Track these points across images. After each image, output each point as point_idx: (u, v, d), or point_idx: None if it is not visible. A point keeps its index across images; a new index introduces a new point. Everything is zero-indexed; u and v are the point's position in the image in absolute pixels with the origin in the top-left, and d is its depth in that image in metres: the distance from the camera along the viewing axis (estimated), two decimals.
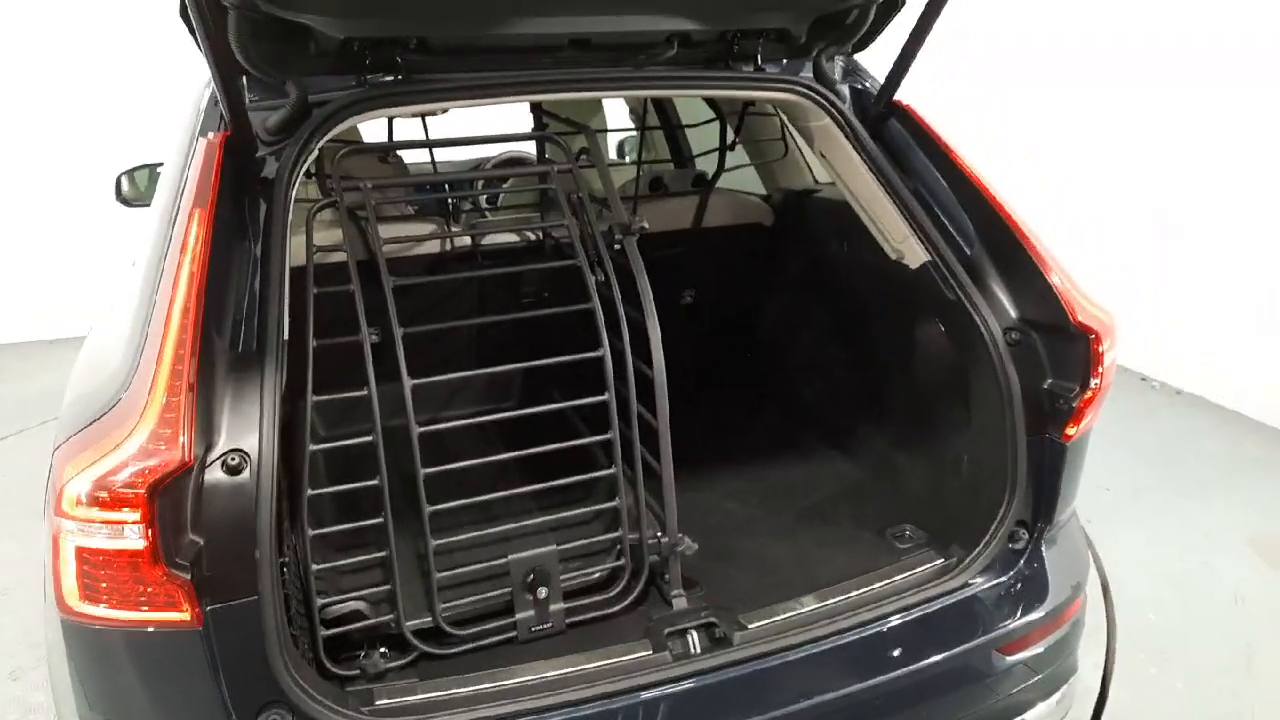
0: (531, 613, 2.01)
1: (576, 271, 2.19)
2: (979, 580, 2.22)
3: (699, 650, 1.99)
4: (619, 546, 2.12)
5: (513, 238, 2.87)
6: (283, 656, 1.66)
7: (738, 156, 3.37)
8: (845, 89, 2.54)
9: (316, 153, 2.03)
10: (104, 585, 1.55)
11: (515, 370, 2.23)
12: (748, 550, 2.44)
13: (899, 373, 2.65)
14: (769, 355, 3.39)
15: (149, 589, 1.53)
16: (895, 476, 2.70)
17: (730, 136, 3.17)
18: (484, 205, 3.32)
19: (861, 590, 2.19)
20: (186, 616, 1.57)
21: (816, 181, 3.22)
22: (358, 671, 1.91)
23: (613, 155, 4.78)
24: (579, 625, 2.08)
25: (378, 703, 1.83)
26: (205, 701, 1.64)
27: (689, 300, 3.36)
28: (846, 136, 2.45)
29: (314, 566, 1.84)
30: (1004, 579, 2.25)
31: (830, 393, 3.02)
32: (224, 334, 1.74)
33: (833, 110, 2.44)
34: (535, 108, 2.61)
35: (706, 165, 3.34)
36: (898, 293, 2.53)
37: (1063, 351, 2.19)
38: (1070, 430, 2.21)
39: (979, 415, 2.32)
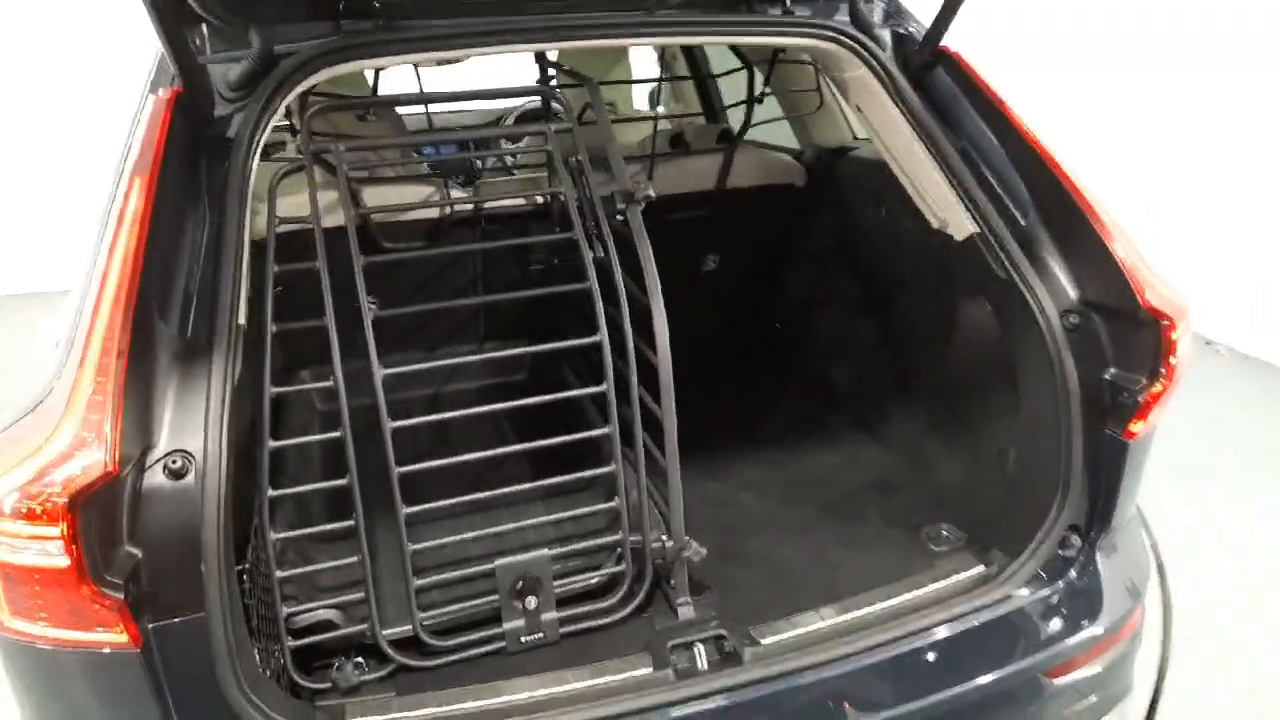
0: (521, 622, 1.83)
1: (641, 227, 1.94)
2: (1024, 591, 1.99)
3: (705, 667, 1.80)
4: (619, 549, 1.92)
5: (519, 201, 2.64)
6: (236, 677, 1.50)
7: (771, 110, 3.09)
8: (886, 34, 2.25)
9: (282, 110, 1.82)
10: (33, 602, 1.38)
11: (514, 348, 2.01)
12: (763, 550, 2.22)
13: (938, 353, 2.39)
14: (797, 329, 3.14)
15: (78, 608, 1.36)
16: (931, 468, 2.46)
17: (760, 87, 2.89)
18: (486, 167, 3.08)
19: (890, 601, 1.97)
20: (122, 638, 1.40)
21: (855, 138, 2.93)
22: (330, 685, 1.74)
23: (645, 108, 4.49)
24: (575, 635, 1.89)
25: None
26: None
27: (711, 266, 3.11)
28: (885, 88, 2.18)
29: (277, 573, 1.66)
30: (1052, 590, 2.01)
31: (862, 373, 2.77)
32: (170, 318, 1.55)
33: (870, 58, 2.16)
34: (541, 59, 2.36)
35: (738, 119, 3.07)
36: (939, 266, 2.26)
37: (1129, 338, 1.92)
38: (1134, 427, 1.95)
39: (1029, 405, 2.07)
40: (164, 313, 1.55)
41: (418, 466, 1.78)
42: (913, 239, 2.32)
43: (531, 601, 1.81)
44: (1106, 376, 1.95)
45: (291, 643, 1.70)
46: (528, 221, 2.65)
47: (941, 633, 1.89)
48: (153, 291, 1.53)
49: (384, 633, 1.77)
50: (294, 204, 2.55)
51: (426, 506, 1.81)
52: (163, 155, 1.62)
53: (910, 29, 2.27)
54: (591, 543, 1.91)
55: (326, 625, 1.77)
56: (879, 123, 2.26)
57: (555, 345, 1.90)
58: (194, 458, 1.46)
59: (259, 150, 1.76)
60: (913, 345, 2.54)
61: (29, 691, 1.54)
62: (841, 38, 2.12)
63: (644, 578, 1.93)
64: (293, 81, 1.79)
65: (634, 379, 1.85)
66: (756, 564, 2.17)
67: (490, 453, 1.82)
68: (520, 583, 1.82)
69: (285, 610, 1.68)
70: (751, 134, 3.23)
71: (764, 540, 2.25)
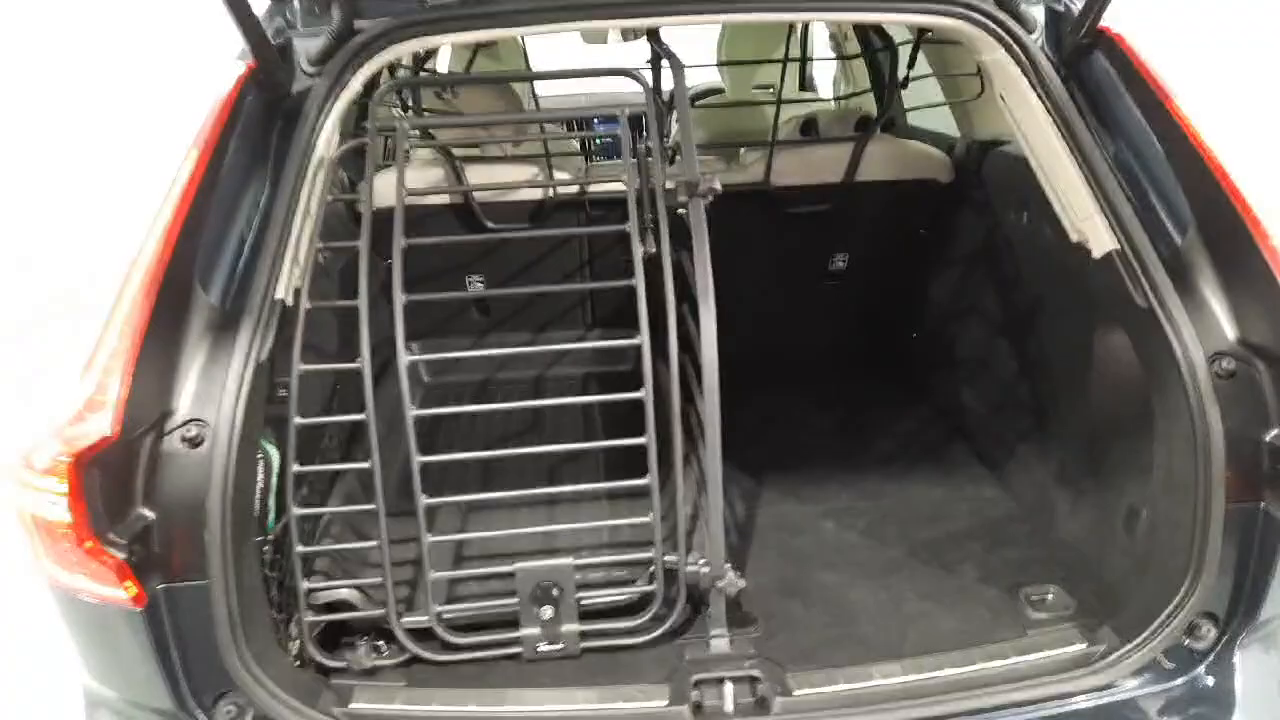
0: (537, 630, 1.74)
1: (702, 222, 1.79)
2: (1132, 682, 1.68)
3: (730, 709, 1.64)
4: (653, 568, 1.78)
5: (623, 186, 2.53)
6: (237, 645, 1.52)
7: (930, 94, 2.79)
8: (1038, 11, 1.93)
9: (356, 86, 1.81)
10: (50, 550, 1.46)
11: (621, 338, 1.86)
12: (831, 589, 2.00)
13: (1074, 389, 2.05)
14: (932, 342, 2.82)
15: (82, 562, 1.42)
16: (1053, 521, 2.12)
17: (905, 70, 2.60)
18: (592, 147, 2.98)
19: (961, 669, 1.71)
20: (125, 595, 1.45)
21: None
22: (345, 664, 1.74)
23: (825, 90, 4.20)
24: (600, 651, 1.78)
25: (352, 705, 1.66)
26: (160, 683, 1.54)
27: (840, 266, 2.85)
28: (1025, 74, 1.87)
29: (298, 549, 1.68)
30: (1170, 687, 1.68)
31: (996, 401, 2.44)
32: (212, 288, 1.58)
33: (1008, 39, 1.85)
34: (653, 37, 2.22)
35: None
36: (1078, 286, 1.93)
37: None
38: None
39: (1165, 462, 1.72)
40: (206, 282, 1.58)
41: (436, 458, 1.73)
42: (1053, 253, 2.00)
43: (548, 611, 1.72)
44: (1268, 438, 1.58)
45: (310, 617, 1.71)
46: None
47: (1014, 717, 1.62)
48: (194, 260, 1.56)
49: (403, 620, 1.75)
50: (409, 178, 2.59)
51: (448, 500, 1.77)
52: (222, 127, 1.65)
53: (1071, 4, 1.93)
54: (619, 557, 1.79)
55: (349, 605, 1.77)
56: (1020, 114, 1.95)
57: (591, 344, 1.79)
58: (210, 427, 1.49)
59: (325, 124, 1.76)
60: (1051, 376, 2.20)
61: (66, 626, 1.64)
62: (973, 14, 1.83)
63: (677, 600, 1.78)
64: (364, 56, 1.77)
65: (675, 386, 1.70)
66: (819, 603, 1.95)
67: (504, 452, 1.74)
68: (540, 589, 1.73)
69: (306, 585, 1.69)
70: (919, 121, 2.94)
71: (835, 577, 2.03)
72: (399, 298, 1.64)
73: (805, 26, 3.58)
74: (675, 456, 1.70)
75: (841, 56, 3.30)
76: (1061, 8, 1.93)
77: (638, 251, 1.72)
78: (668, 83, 2.46)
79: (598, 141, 3.89)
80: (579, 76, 2.07)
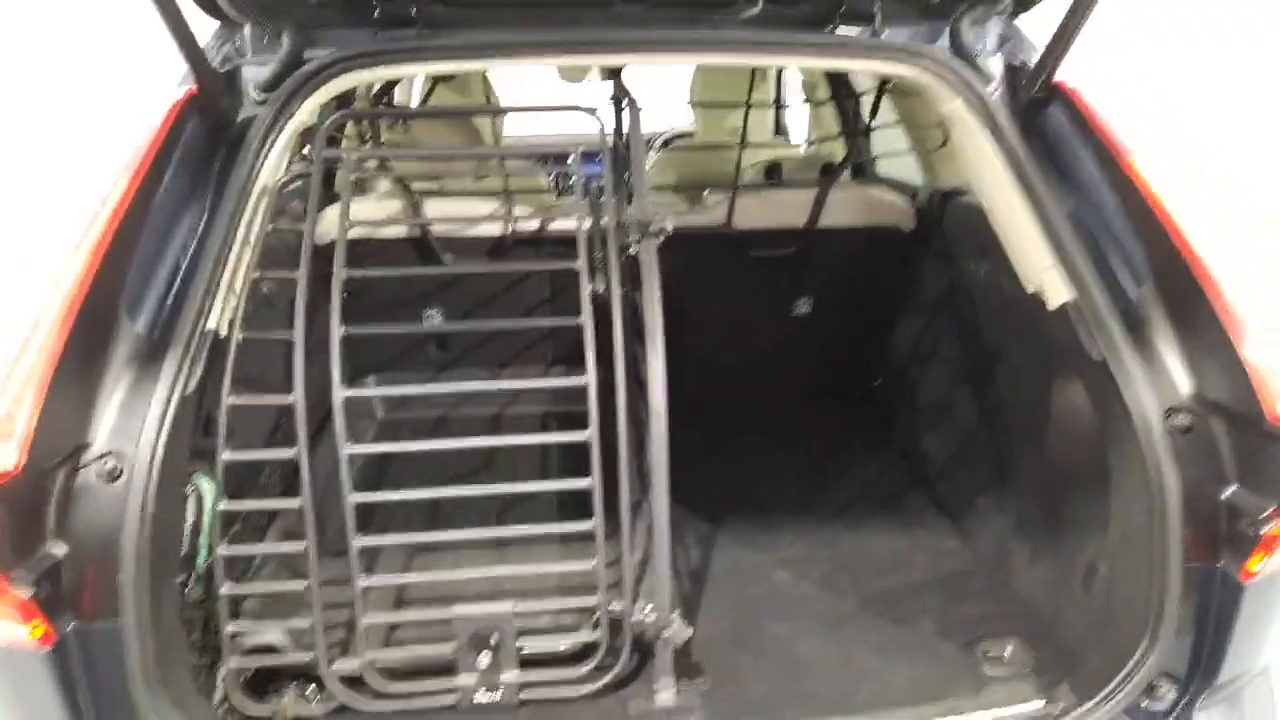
0: (473, 679, 1.66)
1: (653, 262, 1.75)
2: None
3: None
4: (597, 615, 1.71)
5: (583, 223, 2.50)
6: (151, 691, 1.43)
7: (901, 143, 2.79)
8: (995, 63, 1.94)
9: (303, 116, 1.77)
10: None
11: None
12: (783, 640, 1.93)
13: (1032, 440, 2.02)
14: (895, 389, 2.80)
15: None
16: (1010, 572, 2.08)
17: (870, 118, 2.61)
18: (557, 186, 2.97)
19: None
20: (29, 636, 1.37)
21: None
22: (270, 714, 1.65)
23: (797, 136, 4.22)
24: (539, 703, 1.71)
25: None
26: None
27: (804, 310, 2.83)
28: (984, 126, 1.87)
29: (224, 589, 1.60)
30: None
31: (953, 449, 2.41)
32: (138, 316, 1.52)
33: (967, 91, 1.86)
34: (615, 77, 2.21)
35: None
36: (1035, 338, 1.91)
37: (1254, 452, 1.52)
38: (1254, 565, 1.54)
39: (1121, 519, 1.69)
40: (134, 310, 1.52)
41: (370, 496, 1.67)
42: (1012, 303, 1.98)
43: (485, 659, 1.64)
44: (1223, 497, 1.56)
45: (235, 662, 1.62)
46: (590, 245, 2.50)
47: None
48: (121, 287, 1.50)
49: (334, 667, 1.66)
50: (360, 212, 2.54)
51: (383, 540, 1.70)
52: (157, 153, 1.60)
53: (1026, 60, 1.95)
54: (562, 604, 1.72)
55: (277, 650, 1.68)
56: (977, 164, 1.95)
57: (533, 384, 1.74)
58: (127, 461, 1.42)
59: (270, 153, 1.72)
60: (1011, 427, 2.17)
61: None
62: (936, 67, 1.83)
63: (620, 651, 1.71)
64: (314, 85, 1.74)
65: (622, 428, 1.65)
66: (770, 654, 1.89)
67: (440, 491, 1.68)
68: (477, 636, 1.66)
69: (231, 628, 1.61)
70: (890, 170, 2.94)
71: (787, 628, 1.96)
72: (335, 330, 1.58)
73: (779, 73, 3.61)
74: (621, 500, 1.65)
75: (808, 102, 3.31)
76: (1018, 62, 1.94)
77: (585, 289, 1.68)
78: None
79: (569, 179, 3.89)
80: (531, 111, 2.05)
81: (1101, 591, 1.75)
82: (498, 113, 2.18)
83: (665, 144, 3.79)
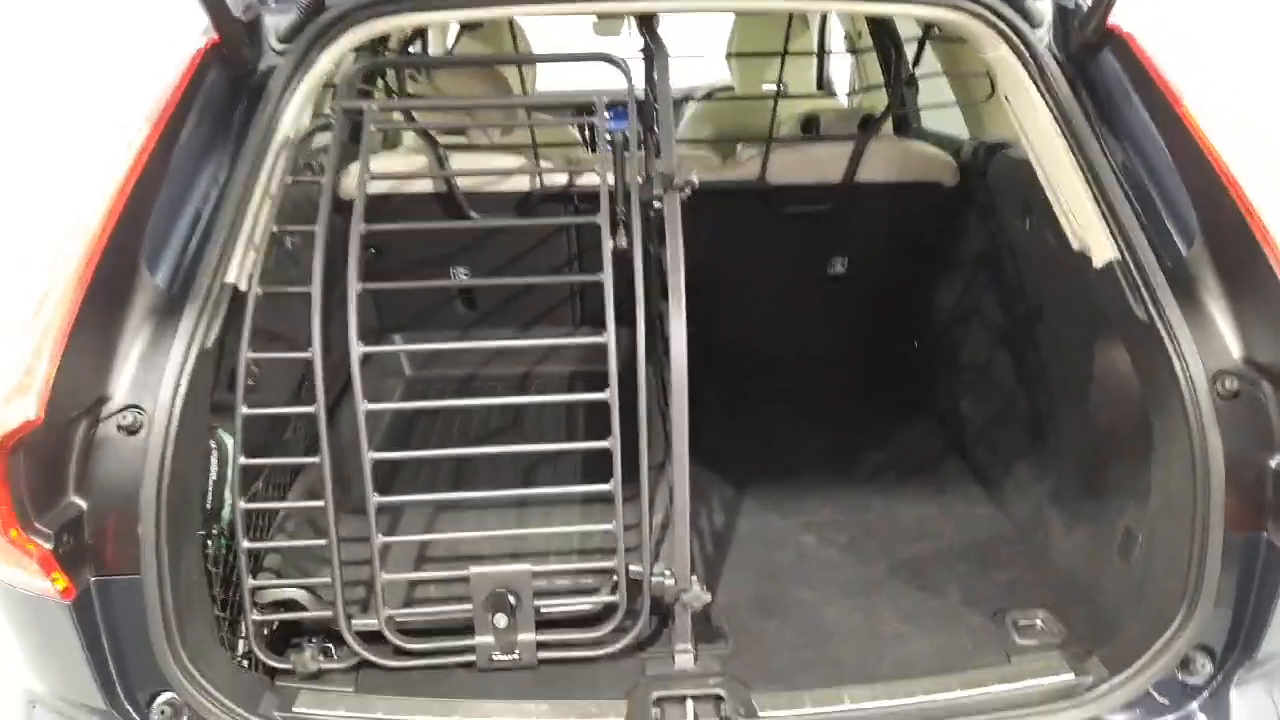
0: (491, 638, 1.66)
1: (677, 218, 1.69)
2: (1121, 717, 1.58)
3: None
4: (615, 579, 1.69)
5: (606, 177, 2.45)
6: (171, 643, 1.45)
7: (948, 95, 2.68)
8: (1045, 6, 1.83)
9: (326, 66, 1.73)
10: None
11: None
12: (808, 606, 1.90)
13: (1073, 404, 1.95)
14: (934, 352, 2.72)
15: (8, 552, 1.35)
16: (1046, 540, 2.02)
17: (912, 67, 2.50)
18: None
19: (936, 695, 1.62)
20: (51, 587, 1.38)
21: None
22: (290, 669, 1.67)
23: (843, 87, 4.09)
24: (558, 663, 1.70)
25: (295, 709, 1.59)
26: (92, 680, 1.47)
27: (840, 270, 2.75)
28: (1030, 75, 1.77)
29: (243, 544, 1.60)
30: None
31: (992, 413, 2.34)
32: (158, 269, 1.51)
33: (1014, 36, 1.76)
34: (646, 25, 2.13)
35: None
36: (1079, 297, 1.84)
37: None
38: None
39: (1163, 486, 1.62)
40: (153, 264, 1.51)
41: (387, 455, 1.66)
42: (1055, 260, 1.90)
43: (501, 619, 1.64)
44: (1272, 464, 1.48)
45: (256, 616, 1.63)
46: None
47: None
48: (140, 241, 1.49)
49: (354, 623, 1.67)
50: (385, 166, 2.51)
51: (400, 500, 1.69)
52: (178, 103, 1.58)
53: (1080, 0, 1.84)
54: (582, 565, 1.71)
55: (298, 605, 1.69)
56: (1024, 115, 1.86)
57: (545, 341, 1.71)
58: (147, 415, 1.42)
59: (290, 104, 1.69)
60: (1051, 390, 2.09)
61: (6, 618, 1.58)
62: (976, 7, 1.74)
63: (640, 613, 1.70)
64: (334, 33, 1.70)
65: (642, 388, 1.61)
66: (794, 620, 1.86)
67: (456, 451, 1.67)
68: (495, 596, 1.65)
69: (251, 583, 1.62)
70: (936, 124, 2.84)
71: (811, 594, 1.93)
72: (353, 285, 1.56)
73: (822, 24, 3.48)
74: (641, 461, 1.62)
75: (851, 51, 3.19)
76: (1071, 4, 1.83)
77: (606, 246, 1.64)
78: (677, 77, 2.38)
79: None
80: (554, 61, 1.99)
81: (1139, 560, 1.69)
82: (521, 61, 2.12)
83: (706, 97, 3.70)
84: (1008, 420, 2.25)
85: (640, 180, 1.80)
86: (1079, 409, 1.91)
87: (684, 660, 1.68)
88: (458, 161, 2.41)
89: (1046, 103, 1.76)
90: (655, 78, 1.85)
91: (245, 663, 1.65)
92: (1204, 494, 1.50)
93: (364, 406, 1.57)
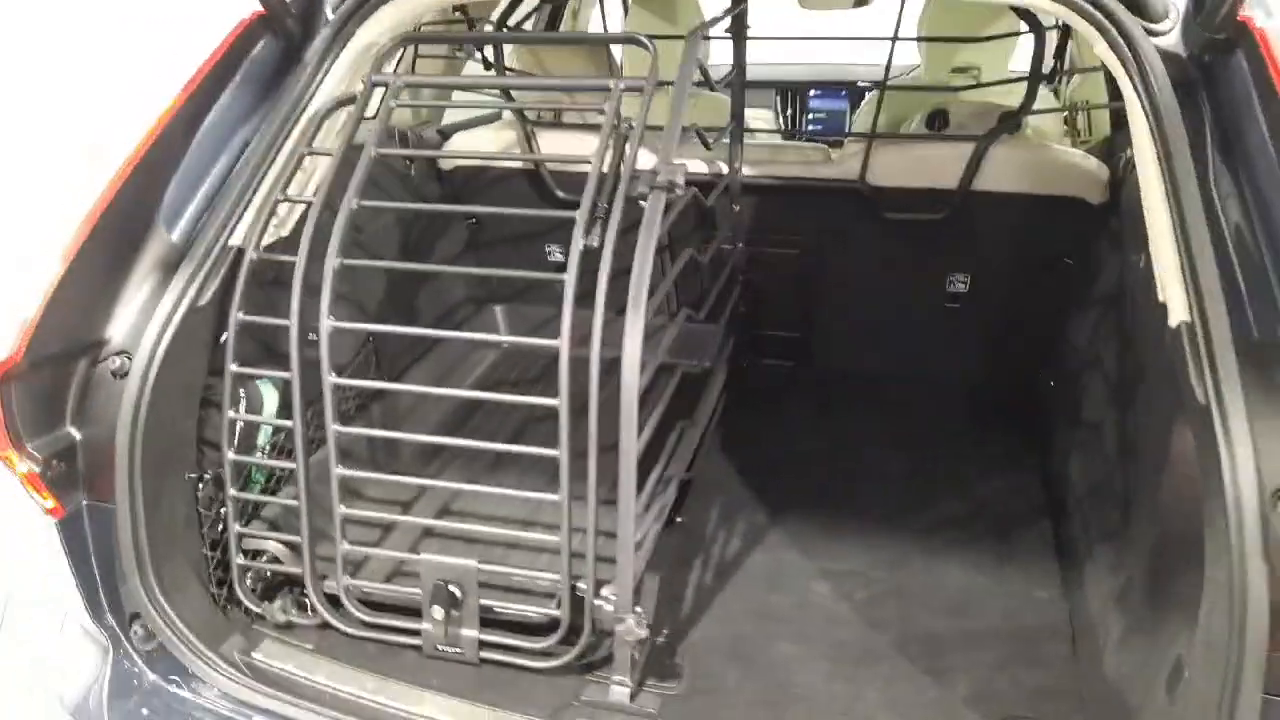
0: (431, 627, 1.65)
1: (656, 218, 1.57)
2: None
3: None
4: (558, 594, 1.61)
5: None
6: (142, 572, 1.58)
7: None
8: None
9: (362, 38, 1.76)
10: None
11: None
12: (783, 662, 1.70)
13: (1152, 491, 1.59)
14: (1058, 394, 2.31)
15: (10, 468, 1.54)
16: (1101, 646, 1.67)
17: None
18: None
19: None
20: (44, 504, 1.56)
21: None
22: (263, 615, 1.77)
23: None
24: (500, 666, 1.66)
25: (253, 654, 1.68)
26: (78, 594, 1.65)
27: (960, 288, 2.40)
28: (1131, 81, 1.43)
29: (231, 494, 1.71)
30: None
31: (1096, 480, 1.95)
32: (174, 225, 1.63)
33: (1110, 30, 1.43)
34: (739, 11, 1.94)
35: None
36: (1164, 362, 1.47)
37: None
38: None
39: (1206, 619, 1.27)
40: (171, 219, 1.63)
41: (350, 430, 1.69)
42: (1154, 309, 1.54)
43: (438, 611, 1.62)
44: None
45: (240, 561, 1.74)
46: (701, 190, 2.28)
47: None
48: (159, 196, 1.61)
49: (326, 585, 1.73)
50: (475, 141, 2.54)
51: (368, 475, 1.72)
52: (211, 70, 1.68)
53: None
54: (530, 572, 1.64)
55: (272, 558, 1.78)
56: (1132, 129, 1.51)
57: (508, 338, 1.63)
58: (131, 360, 1.54)
59: (324, 78, 1.74)
60: (1140, 467, 1.71)
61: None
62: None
63: (583, 631, 1.60)
64: (371, 7, 1.73)
65: (594, 395, 1.50)
66: (762, 674, 1.67)
67: (427, 439, 1.65)
68: (440, 586, 1.63)
69: (237, 529, 1.72)
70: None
71: (796, 650, 1.72)
72: (331, 261, 1.59)
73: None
74: (590, 475, 1.52)
75: (961, 39, 2.75)
76: None
77: (577, 243, 1.53)
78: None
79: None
80: (576, 43, 1.88)
81: (1180, 703, 1.35)
82: (543, 41, 2.02)
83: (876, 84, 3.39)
84: (1103, 493, 1.87)
85: (616, 171, 1.65)
86: (1155, 497, 1.55)
87: (619, 693, 1.58)
88: (545, 139, 2.38)
89: (1145, 116, 1.41)
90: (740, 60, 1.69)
91: (225, 605, 1.76)
92: (1239, 642, 1.15)
93: (331, 379, 1.61)
